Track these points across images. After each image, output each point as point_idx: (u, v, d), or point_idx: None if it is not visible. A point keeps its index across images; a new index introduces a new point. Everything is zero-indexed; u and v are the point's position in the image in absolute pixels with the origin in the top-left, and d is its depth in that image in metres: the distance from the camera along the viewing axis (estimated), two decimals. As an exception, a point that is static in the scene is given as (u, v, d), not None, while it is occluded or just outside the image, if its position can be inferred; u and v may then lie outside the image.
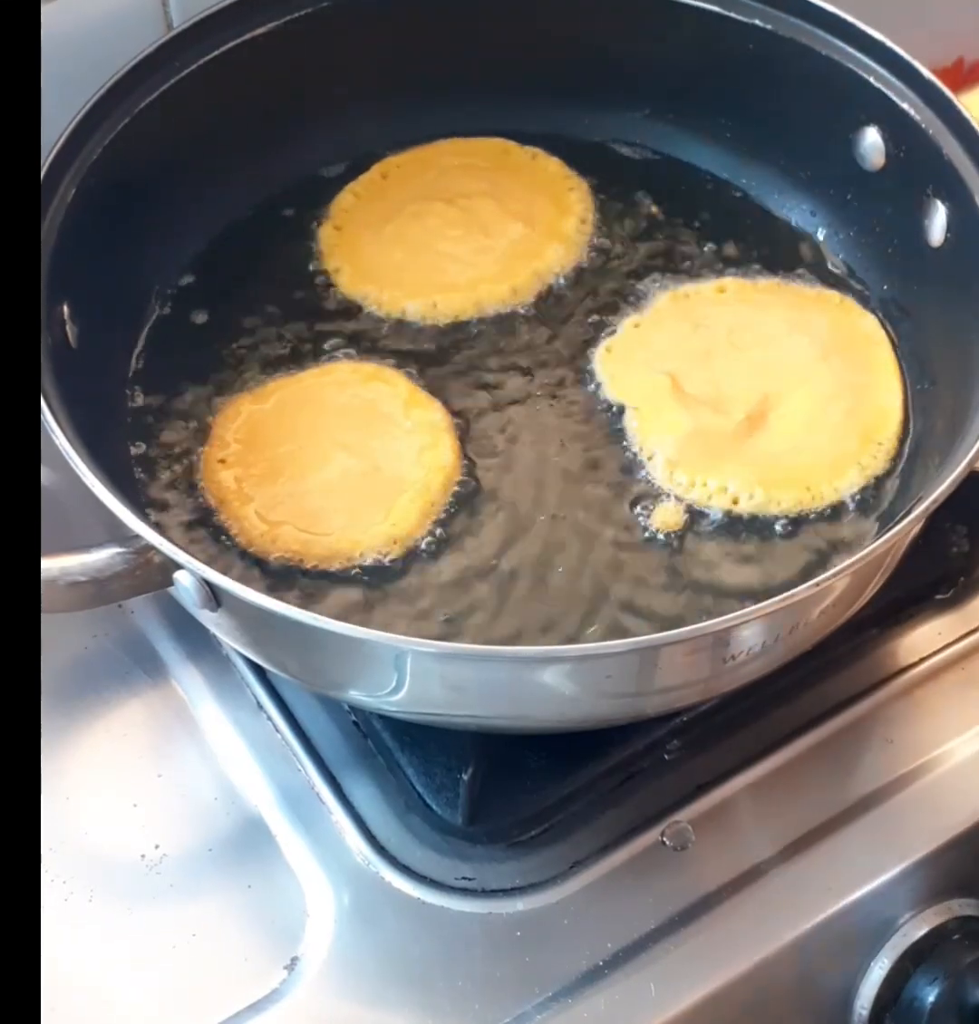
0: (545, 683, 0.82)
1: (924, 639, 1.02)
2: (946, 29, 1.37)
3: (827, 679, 0.99)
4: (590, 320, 1.07)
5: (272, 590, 0.92)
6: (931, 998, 0.91)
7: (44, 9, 1.00)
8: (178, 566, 0.82)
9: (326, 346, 1.06)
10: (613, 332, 1.06)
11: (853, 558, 0.82)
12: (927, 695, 0.99)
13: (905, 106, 1.02)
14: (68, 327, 0.95)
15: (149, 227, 1.05)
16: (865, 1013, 0.93)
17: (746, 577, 0.95)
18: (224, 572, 0.82)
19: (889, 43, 1.03)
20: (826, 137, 1.09)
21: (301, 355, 1.06)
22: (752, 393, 1.02)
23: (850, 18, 1.05)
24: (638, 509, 0.98)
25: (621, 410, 1.02)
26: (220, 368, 1.05)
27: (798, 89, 1.09)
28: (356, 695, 0.90)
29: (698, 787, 0.94)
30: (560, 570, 0.95)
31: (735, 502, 0.98)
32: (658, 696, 0.87)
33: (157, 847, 0.92)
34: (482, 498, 0.98)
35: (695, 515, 0.97)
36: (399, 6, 1.12)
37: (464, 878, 0.91)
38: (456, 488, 0.98)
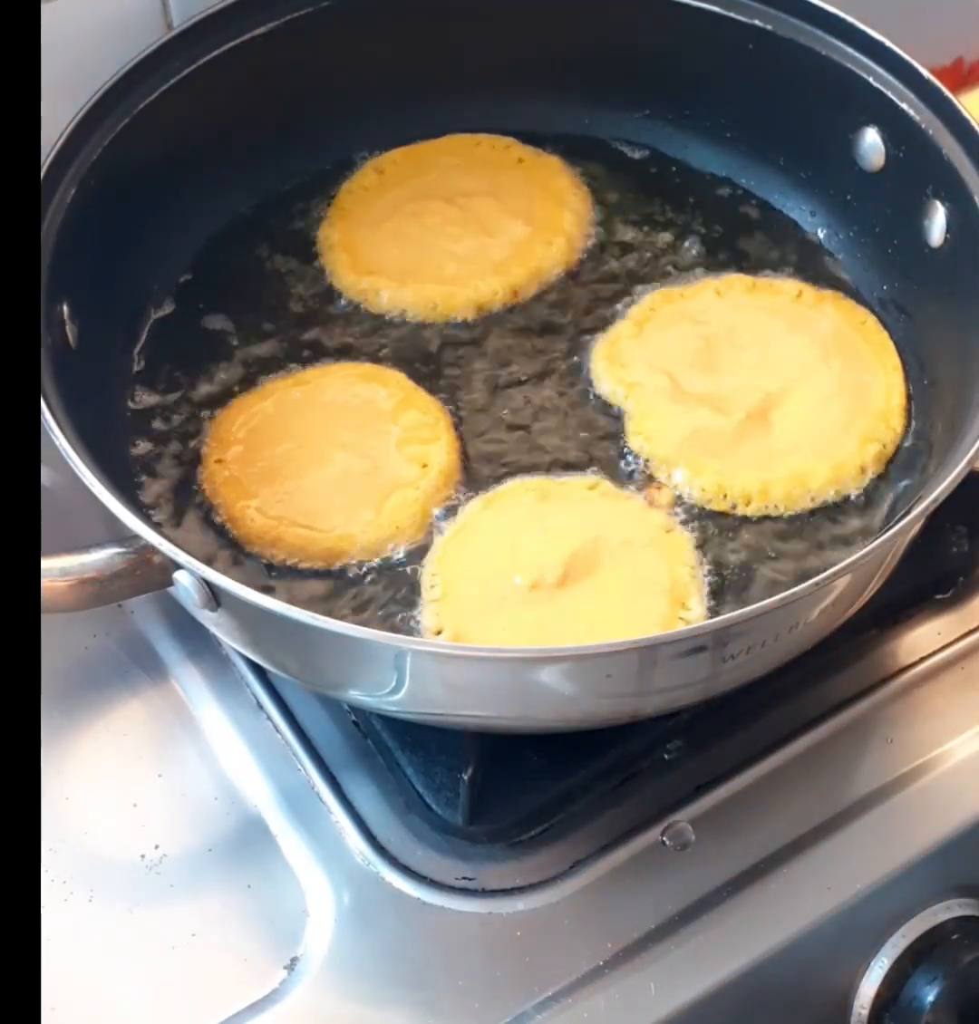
0: (545, 683, 0.82)
1: (924, 639, 1.02)
2: (946, 29, 1.37)
3: (827, 679, 0.99)
4: (589, 319, 1.08)
5: (272, 590, 0.92)
6: (930, 998, 0.91)
7: (44, 9, 1.00)
8: (178, 566, 0.82)
9: (325, 345, 1.06)
10: (612, 331, 1.06)
11: (853, 558, 0.82)
12: (927, 695, 0.99)
13: (905, 106, 1.02)
14: (68, 327, 0.95)
15: (149, 226, 1.05)
16: (864, 1013, 0.93)
17: (746, 576, 0.95)
18: (224, 572, 0.82)
19: (889, 43, 1.03)
20: (826, 137, 1.09)
21: (300, 354, 1.06)
22: (752, 393, 1.01)
23: (850, 18, 1.05)
24: (638, 509, 0.98)
25: (620, 410, 1.02)
26: (219, 367, 1.05)
27: (798, 89, 1.09)
28: (356, 695, 0.90)
29: (698, 787, 0.94)
30: (560, 569, 0.95)
31: (734, 502, 0.98)
32: (658, 696, 0.87)
33: (157, 847, 0.92)
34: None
35: (694, 515, 0.97)
36: (398, 5, 1.12)
37: (464, 878, 0.91)
38: (455, 486, 0.98)
